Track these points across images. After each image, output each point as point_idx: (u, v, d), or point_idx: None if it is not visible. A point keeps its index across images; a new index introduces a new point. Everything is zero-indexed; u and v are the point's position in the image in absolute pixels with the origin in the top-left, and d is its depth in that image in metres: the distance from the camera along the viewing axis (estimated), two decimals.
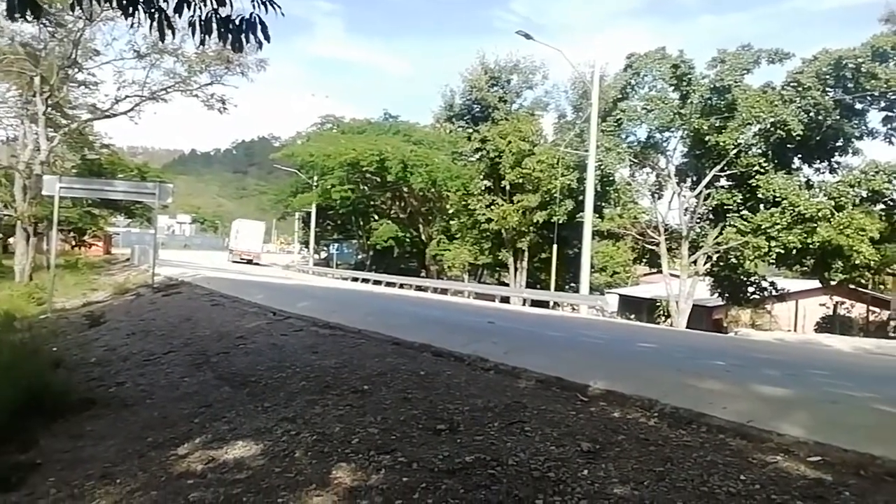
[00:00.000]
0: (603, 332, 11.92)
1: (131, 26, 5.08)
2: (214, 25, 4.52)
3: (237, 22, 4.55)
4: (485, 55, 35.92)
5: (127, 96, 27.45)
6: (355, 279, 36.27)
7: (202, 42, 4.76)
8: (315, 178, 44.36)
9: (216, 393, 6.19)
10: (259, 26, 4.57)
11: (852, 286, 28.96)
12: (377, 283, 33.16)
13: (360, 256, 52.74)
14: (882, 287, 34.60)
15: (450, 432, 4.35)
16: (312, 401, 5.30)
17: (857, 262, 22.22)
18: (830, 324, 30.05)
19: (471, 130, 35.88)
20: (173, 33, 4.83)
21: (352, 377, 6.03)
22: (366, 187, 41.91)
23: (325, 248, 56.21)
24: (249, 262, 45.28)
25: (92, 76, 28.61)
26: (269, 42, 4.65)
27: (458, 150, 36.66)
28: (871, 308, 31.44)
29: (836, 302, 30.97)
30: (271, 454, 4.22)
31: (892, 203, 22.81)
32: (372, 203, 45.68)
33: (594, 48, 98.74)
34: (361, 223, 49.16)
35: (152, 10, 4.43)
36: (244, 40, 4.62)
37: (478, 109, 36.20)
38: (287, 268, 46.54)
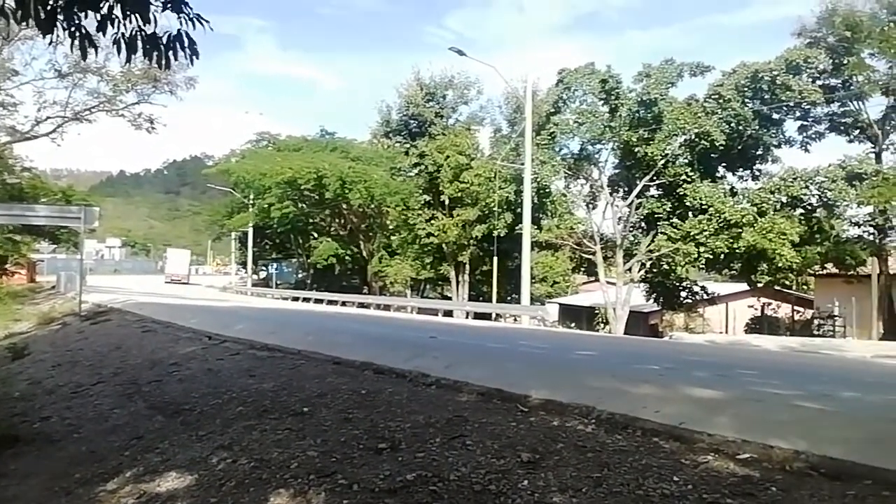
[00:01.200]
0: (543, 341, 12.10)
1: (51, 44, 4.90)
2: (140, 43, 4.40)
3: (164, 39, 4.45)
4: (419, 71, 36.29)
5: (48, 117, 26.47)
6: (296, 299, 35.67)
7: (128, 60, 4.63)
8: (251, 196, 43.51)
9: (148, 423, 5.97)
10: (186, 43, 4.48)
11: (777, 288, 30.40)
12: (318, 301, 32.71)
13: (300, 275, 51.90)
14: (805, 287, 36.44)
15: (391, 451, 4.32)
16: (250, 426, 5.17)
17: (780, 264, 23.35)
18: (759, 324, 31.38)
19: (408, 146, 36.03)
20: (96, 51, 4.68)
21: (291, 400, 5.93)
22: (304, 205, 41.32)
23: (264, 268, 55.02)
24: (179, 282, 54.05)
25: (10, 97, 27.38)
26: (197, 59, 4.54)
27: (396, 165, 36.68)
28: (795, 308, 32.99)
29: (764, 303, 32.37)
30: (206, 484, 4.10)
31: (810, 207, 24.13)
32: (311, 221, 45.06)
33: (526, 63, 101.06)
34: (301, 241, 48.44)
35: (73, 29, 4.28)
36: (171, 57, 4.51)
37: (414, 125, 36.40)
38: (224, 290, 45.37)
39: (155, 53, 4.42)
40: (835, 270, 26.59)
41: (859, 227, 25.38)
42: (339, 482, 3.81)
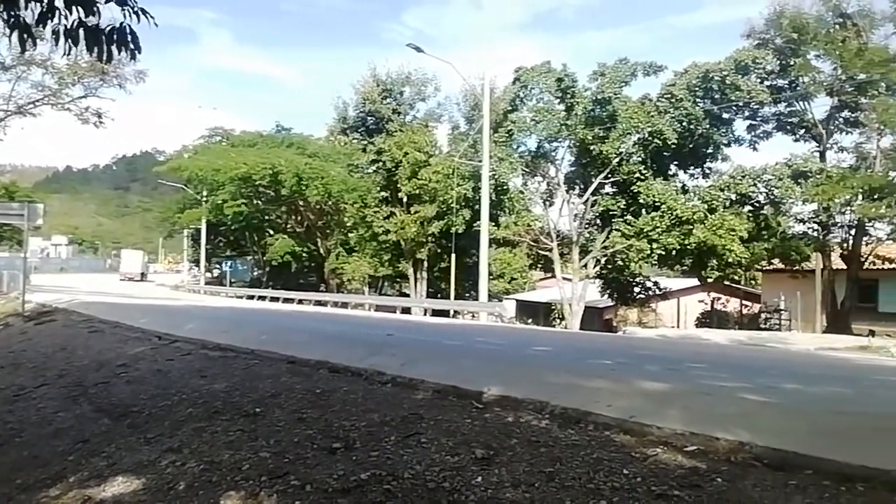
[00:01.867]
0: (500, 338, 12.18)
1: None
2: (81, 35, 4.26)
3: (106, 31, 4.30)
4: (376, 67, 36.01)
5: None
6: (251, 297, 35.10)
7: (67, 52, 4.47)
8: (204, 193, 42.58)
9: (94, 426, 5.78)
10: (129, 36, 4.34)
11: (727, 283, 31.28)
12: (274, 299, 32.25)
13: (255, 273, 51.09)
14: (753, 282, 37.60)
15: (345, 450, 4.29)
16: (200, 428, 5.06)
17: (729, 260, 24.01)
18: (709, 319, 32.22)
19: (366, 142, 35.77)
20: (34, 44, 4.51)
21: (243, 400, 5.82)
22: (259, 202, 40.68)
23: (218, 266, 53.93)
24: (134, 279, 57.20)
25: None
26: (139, 53, 4.41)
27: (353, 162, 36.40)
28: (743, 302, 33.99)
29: (714, 298, 33.25)
30: (154, 488, 3.99)
31: (758, 205, 24.87)
32: (266, 218, 44.36)
33: (484, 61, 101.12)
34: (256, 239, 47.61)
35: (11, 20, 4.11)
36: (115, 51, 4.37)
37: (372, 121, 36.15)
38: (176, 288, 44.37)
39: (96, 47, 4.28)
40: (781, 266, 27.45)
41: (804, 223, 26.30)
42: (291, 483, 3.76)
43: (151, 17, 4.44)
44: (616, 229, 25.16)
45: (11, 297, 23.43)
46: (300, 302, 31.03)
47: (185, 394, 6.29)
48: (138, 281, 56.81)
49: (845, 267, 25.69)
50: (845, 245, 25.76)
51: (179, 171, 43.44)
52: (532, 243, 28.16)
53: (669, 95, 24.05)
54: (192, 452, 4.51)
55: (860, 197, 23.12)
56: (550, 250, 27.02)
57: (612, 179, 25.76)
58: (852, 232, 25.38)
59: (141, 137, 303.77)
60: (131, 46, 4.37)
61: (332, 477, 3.79)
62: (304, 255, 43.65)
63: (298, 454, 4.26)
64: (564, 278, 27.24)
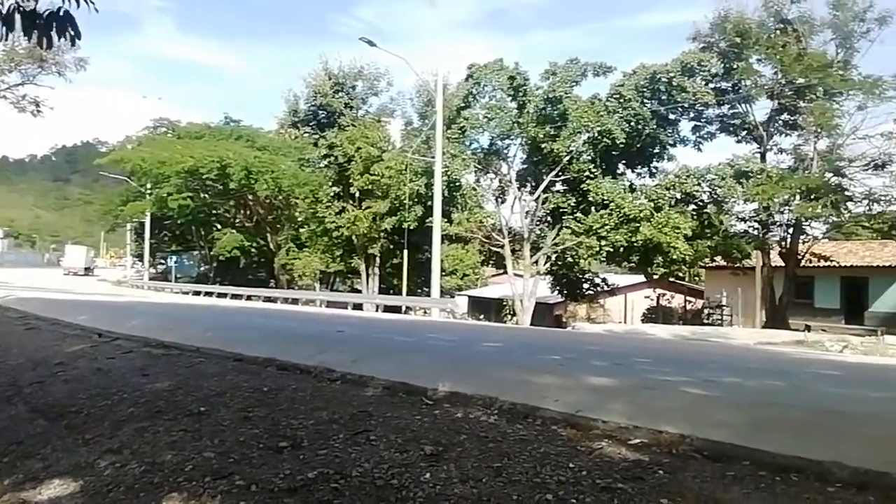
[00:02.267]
0: (452, 334, 12.22)
1: None
2: (17, 19, 4.08)
3: (44, 16, 4.13)
4: (328, 61, 35.66)
5: None
6: (197, 293, 34.29)
7: (4, 38, 4.29)
8: (148, 185, 41.34)
9: (29, 427, 5.53)
10: (68, 22, 4.18)
11: (672, 279, 32.14)
12: (222, 296, 31.60)
13: (202, 268, 49.88)
14: (696, 279, 38.78)
15: (292, 449, 4.23)
16: (142, 428, 4.91)
17: (674, 257, 24.68)
18: (654, 314, 33.08)
19: (317, 136, 35.37)
20: None
21: (187, 399, 5.67)
22: (206, 195, 39.72)
23: (163, 261, 52.46)
24: (76, 274, 57.27)
25: None
26: (79, 39, 4.27)
27: (304, 156, 35.92)
28: (687, 298, 35.00)
29: (659, 294, 34.13)
30: (92, 491, 3.85)
31: (701, 203, 25.63)
32: (214, 212, 43.38)
33: (437, 57, 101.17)
34: (203, 233, 46.49)
35: None
36: (53, 37, 4.21)
37: (323, 115, 35.76)
38: (119, 283, 43.04)
39: (35, 31, 4.12)
40: (723, 263, 28.37)
41: (745, 222, 27.29)
42: (236, 483, 3.68)
43: (92, 2, 4.29)
44: (566, 226, 25.54)
45: None
46: (249, 298, 30.49)
47: (127, 393, 6.09)
48: (82, 276, 56.48)
49: (783, 264, 26.74)
50: (784, 243, 26.81)
51: (122, 162, 42.08)
52: (484, 240, 28.35)
53: (618, 95, 24.54)
54: (132, 453, 4.37)
55: (798, 197, 24.11)
56: (502, 247, 27.24)
57: (562, 177, 26.13)
58: (790, 231, 26.45)
59: (82, 127, 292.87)
60: (70, 32, 4.22)
61: (278, 476, 3.73)
62: (253, 250, 42.87)
63: (244, 454, 4.18)
64: (516, 274, 27.52)
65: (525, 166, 28.14)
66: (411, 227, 28.48)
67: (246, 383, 6.15)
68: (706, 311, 32.22)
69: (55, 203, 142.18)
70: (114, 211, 49.78)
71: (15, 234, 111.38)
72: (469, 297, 38.08)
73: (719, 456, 3.74)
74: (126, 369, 7.29)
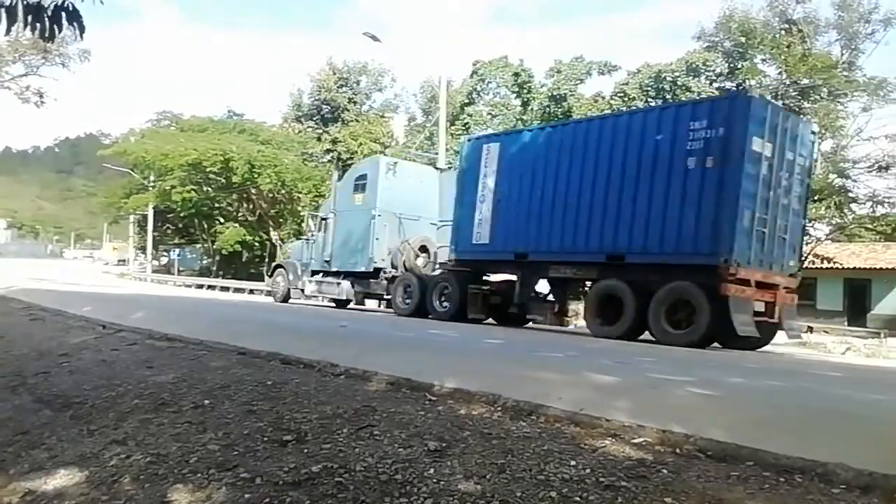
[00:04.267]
0: (454, 330, 12.23)
1: None
2: (20, 12, 4.08)
3: (50, 9, 4.14)
4: (332, 55, 35.77)
5: None
6: (200, 286, 34.39)
7: (7, 31, 4.30)
8: (151, 178, 41.38)
9: (34, 418, 5.56)
10: (73, 14, 4.19)
11: None
12: (225, 289, 31.67)
13: (204, 262, 49.94)
14: None
15: (297, 443, 4.24)
16: (146, 420, 4.93)
17: None
18: None
19: (321, 131, 35.38)
20: None
21: (191, 392, 5.69)
22: (209, 189, 39.79)
23: (166, 254, 52.56)
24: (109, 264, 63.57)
25: None
26: (83, 32, 4.28)
27: (308, 150, 35.96)
28: None
29: None
30: (98, 481, 3.87)
31: None
32: (217, 205, 43.43)
33: (441, 53, 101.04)
34: (206, 226, 46.55)
35: None
36: (56, 30, 4.21)
37: (327, 110, 35.79)
38: (122, 276, 43.08)
39: (39, 24, 4.13)
40: None
41: None
42: (241, 475, 3.70)
43: None
44: None
45: None
46: (251, 292, 30.53)
47: (131, 384, 6.11)
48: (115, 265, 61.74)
49: None
50: None
51: (125, 155, 42.13)
52: None
53: (622, 94, 24.56)
54: (137, 444, 4.39)
55: None
56: None
57: None
58: None
59: (85, 119, 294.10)
60: (75, 25, 4.23)
61: (282, 469, 3.74)
62: (255, 244, 42.91)
63: (248, 447, 4.19)
64: None
65: None
66: None
67: (250, 377, 6.17)
68: None
69: (58, 194, 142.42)
70: (117, 203, 49.91)
71: (18, 225, 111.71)
72: None
73: (723, 456, 3.74)
74: (130, 361, 7.32)
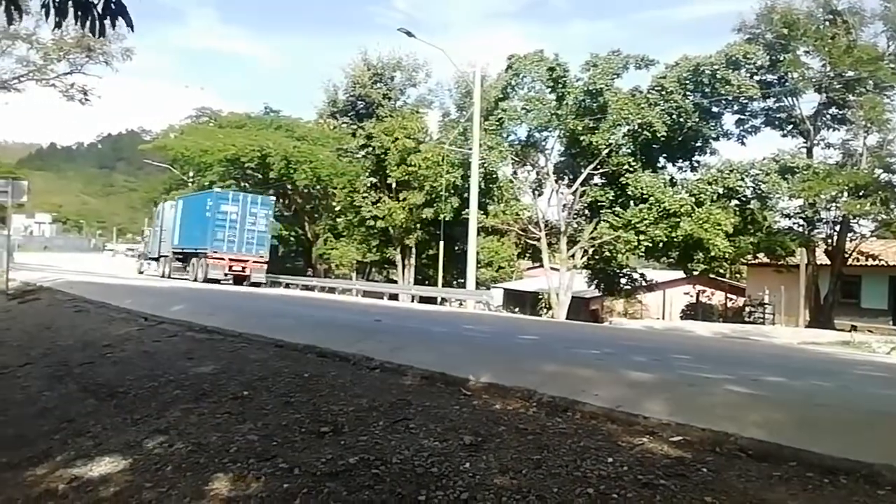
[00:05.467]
0: (487, 325, 12.22)
1: None
2: (71, 8, 4.18)
3: (99, 6, 4.22)
4: (367, 51, 35.77)
5: None
6: None
7: (57, 25, 4.39)
8: (191, 174, 42.18)
9: (80, 406, 5.74)
10: (121, 10, 4.27)
11: (712, 276, 31.56)
12: None
13: None
14: (738, 276, 37.96)
15: (333, 434, 4.29)
16: (187, 410, 5.04)
17: (714, 253, 24.20)
18: (694, 311, 32.54)
19: (355, 127, 35.57)
20: (20, 16, 4.43)
21: (231, 383, 5.80)
22: (247, 184, 40.35)
23: None
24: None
25: None
26: (132, 28, 4.36)
27: (342, 146, 36.17)
28: (728, 295, 34.33)
29: (699, 290, 33.54)
30: (141, 469, 3.98)
31: (744, 199, 25.02)
32: None
33: (475, 47, 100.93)
34: None
35: None
36: (105, 25, 4.30)
37: (362, 106, 35.94)
38: None
39: (88, 20, 4.21)
40: (766, 260, 27.72)
41: (790, 218, 26.56)
42: (279, 466, 3.76)
43: None
44: (604, 220, 25.24)
45: None
46: (287, 286, 30.95)
47: (172, 375, 6.25)
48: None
49: (829, 262, 25.98)
50: (830, 241, 26.04)
51: (165, 150, 43.00)
52: (520, 232, 28.23)
53: (660, 88, 24.09)
54: (179, 434, 4.50)
55: (846, 194, 23.37)
56: (538, 240, 27.08)
57: (601, 170, 25.82)
58: (837, 228, 25.66)
59: (127, 116, 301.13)
60: (125, 21, 4.31)
61: (320, 461, 3.79)
62: (291, 239, 43.45)
63: (286, 437, 4.26)
64: (552, 268, 27.34)
65: (563, 159, 27.87)
66: (447, 219, 28.51)
67: (287, 369, 6.25)
68: (748, 308, 31.51)
69: (101, 190, 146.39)
70: (157, 198, 50.98)
71: (63, 220, 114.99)
72: (504, 289, 37.98)
73: (765, 456, 3.67)
74: (171, 352, 7.49)
